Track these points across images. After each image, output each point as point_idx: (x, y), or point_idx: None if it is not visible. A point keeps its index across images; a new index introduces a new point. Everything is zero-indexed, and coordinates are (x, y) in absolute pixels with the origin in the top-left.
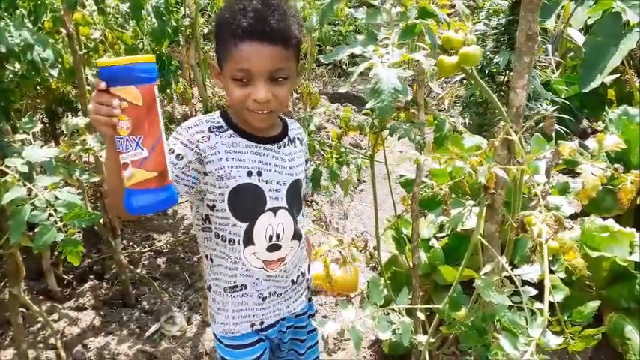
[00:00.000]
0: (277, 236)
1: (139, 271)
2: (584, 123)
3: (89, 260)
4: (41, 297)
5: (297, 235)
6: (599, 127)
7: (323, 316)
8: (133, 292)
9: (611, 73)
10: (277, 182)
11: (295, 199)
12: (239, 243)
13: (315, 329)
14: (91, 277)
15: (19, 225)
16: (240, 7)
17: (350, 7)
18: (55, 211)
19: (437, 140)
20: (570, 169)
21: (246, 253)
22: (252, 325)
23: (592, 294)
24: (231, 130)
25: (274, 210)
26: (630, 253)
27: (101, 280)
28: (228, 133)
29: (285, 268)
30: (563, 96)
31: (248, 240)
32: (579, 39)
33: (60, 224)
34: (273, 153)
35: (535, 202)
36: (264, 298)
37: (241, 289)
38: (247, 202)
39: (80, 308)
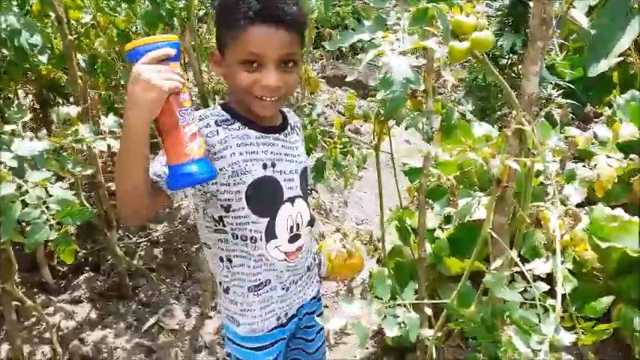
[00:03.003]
0: (297, 226)
1: (135, 262)
2: (588, 106)
3: (84, 251)
4: (35, 289)
5: (311, 222)
6: (606, 111)
7: (324, 306)
8: (130, 283)
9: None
10: (290, 171)
11: (306, 186)
12: (261, 239)
13: (322, 313)
14: (87, 268)
15: (9, 222)
16: None
17: None
18: (47, 208)
19: (445, 129)
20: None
21: (269, 247)
22: (278, 318)
23: (600, 285)
24: (238, 122)
25: (292, 200)
26: None
27: (97, 272)
28: (236, 125)
29: (302, 255)
30: (567, 79)
31: (270, 235)
32: (583, 21)
33: (52, 222)
34: (282, 142)
35: (551, 195)
36: (287, 289)
37: (266, 285)
38: (266, 196)
39: (76, 301)
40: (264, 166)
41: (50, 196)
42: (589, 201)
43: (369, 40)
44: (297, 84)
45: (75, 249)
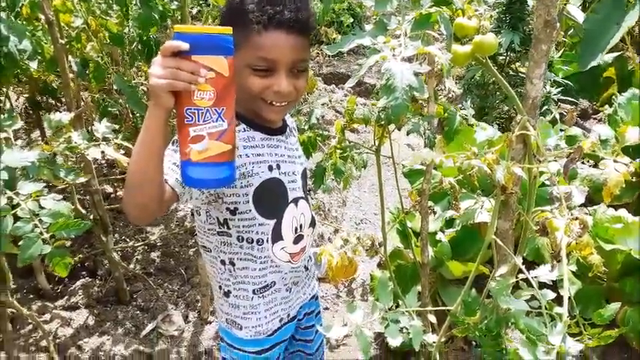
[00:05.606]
0: (301, 226)
1: (132, 266)
2: (586, 103)
3: (80, 256)
4: (31, 296)
5: (313, 222)
6: (606, 110)
7: (324, 308)
8: (127, 288)
9: (612, 51)
10: (293, 172)
11: (306, 187)
12: (267, 241)
13: (319, 312)
14: (83, 273)
15: (2, 237)
16: None
17: None
18: (40, 221)
19: (447, 134)
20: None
21: (275, 249)
22: (281, 319)
23: (603, 287)
24: (243, 124)
25: (296, 201)
26: None
27: (94, 277)
28: (241, 127)
29: (304, 256)
30: (561, 75)
31: (277, 236)
32: (579, 16)
33: (46, 235)
34: (284, 144)
35: (557, 203)
36: (290, 290)
37: (271, 287)
38: (273, 198)
39: (72, 307)
40: (270, 168)
41: (43, 208)
42: (590, 200)
43: (370, 46)
44: (305, 89)
45: (70, 262)
